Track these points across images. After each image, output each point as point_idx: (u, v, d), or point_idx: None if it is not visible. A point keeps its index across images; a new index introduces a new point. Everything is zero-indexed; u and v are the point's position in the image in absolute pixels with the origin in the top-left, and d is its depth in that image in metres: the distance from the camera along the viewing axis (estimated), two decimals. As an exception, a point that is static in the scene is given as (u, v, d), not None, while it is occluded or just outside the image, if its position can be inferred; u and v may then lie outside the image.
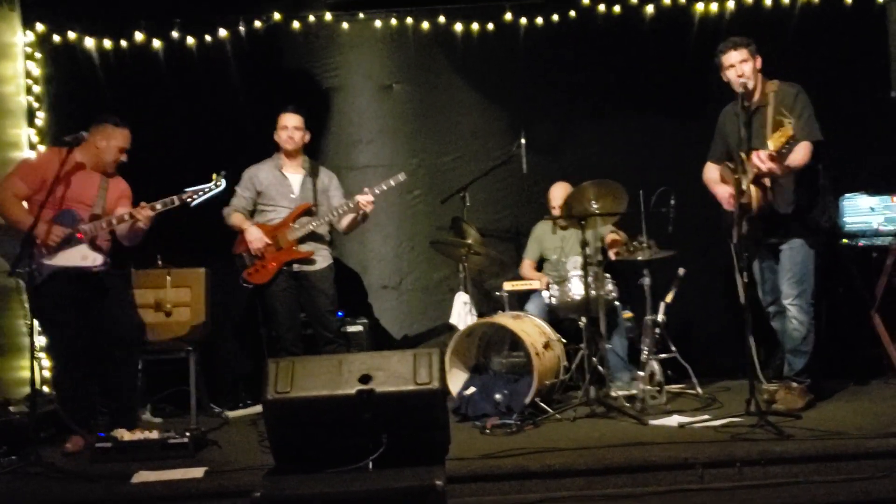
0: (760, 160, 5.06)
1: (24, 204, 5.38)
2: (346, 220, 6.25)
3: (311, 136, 6.40)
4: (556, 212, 6.62)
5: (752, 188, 5.23)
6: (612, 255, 6.32)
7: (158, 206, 5.42)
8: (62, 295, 5.36)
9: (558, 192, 6.71)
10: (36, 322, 5.64)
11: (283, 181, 6.26)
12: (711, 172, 5.74)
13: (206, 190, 5.52)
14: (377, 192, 6.14)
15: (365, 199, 6.07)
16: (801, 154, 5.19)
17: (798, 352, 5.48)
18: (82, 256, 5.42)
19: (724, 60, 5.43)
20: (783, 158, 5.08)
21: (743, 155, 5.23)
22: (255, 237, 6.10)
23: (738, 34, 5.54)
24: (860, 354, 5.92)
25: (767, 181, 5.26)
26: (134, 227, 5.45)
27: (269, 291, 6.18)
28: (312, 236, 6.19)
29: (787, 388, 5.46)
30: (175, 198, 5.45)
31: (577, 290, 6.12)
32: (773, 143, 5.00)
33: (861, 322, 6.25)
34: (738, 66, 5.35)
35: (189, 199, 5.47)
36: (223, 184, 5.59)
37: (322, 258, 6.26)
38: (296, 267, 6.17)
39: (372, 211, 6.17)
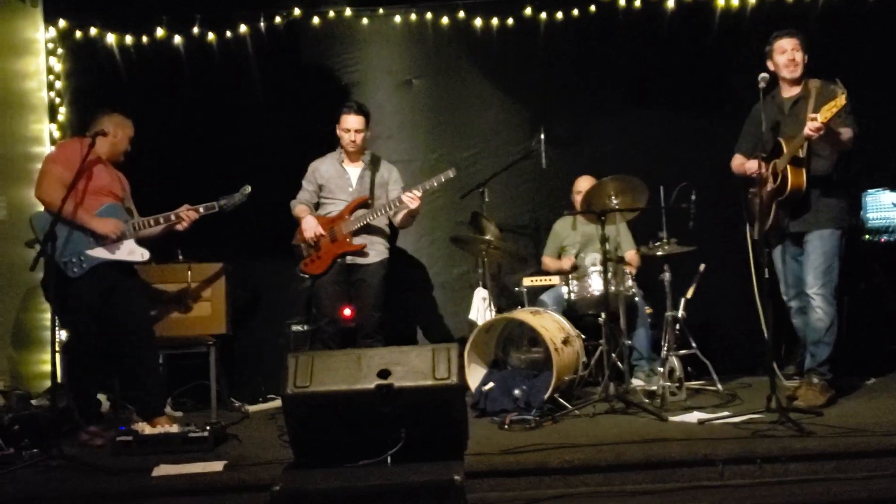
0: (811, 123, 5.09)
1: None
2: (399, 215, 6.30)
3: (368, 133, 6.43)
4: (580, 196, 6.58)
5: (789, 169, 5.30)
6: (628, 270, 6.29)
7: (202, 210, 5.67)
8: (96, 284, 5.40)
9: (584, 184, 6.68)
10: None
11: (342, 175, 6.33)
12: (740, 160, 5.80)
13: (238, 199, 5.77)
14: (427, 187, 6.18)
15: (407, 197, 6.10)
16: (847, 133, 5.30)
17: (821, 343, 5.45)
18: (129, 251, 5.53)
19: (776, 46, 5.58)
20: (828, 132, 5.14)
21: (780, 140, 5.33)
22: (309, 226, 6.18)
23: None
24: (882, 351, 5.88)
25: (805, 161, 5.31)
26: (169, 227, 5.63)
27: (320, 282, 6.25)
28: (368, 229, 6.23)
29: (809, 385, 5.44)
30: (215, 203, 5.70)
31: (596, 285, 6.11)
32: (822, 115, 5.05)
33: (883, 318, 6.21)
34: (791, 51, 5.52)
35: (225, 206, 5.73)
36: (248, 190, 5.78)
37: (376, 252, 6.29)
38: (349, 259, 6.22)
39: (419, 207, 6.20)
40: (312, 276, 6.26)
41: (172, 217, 5.62)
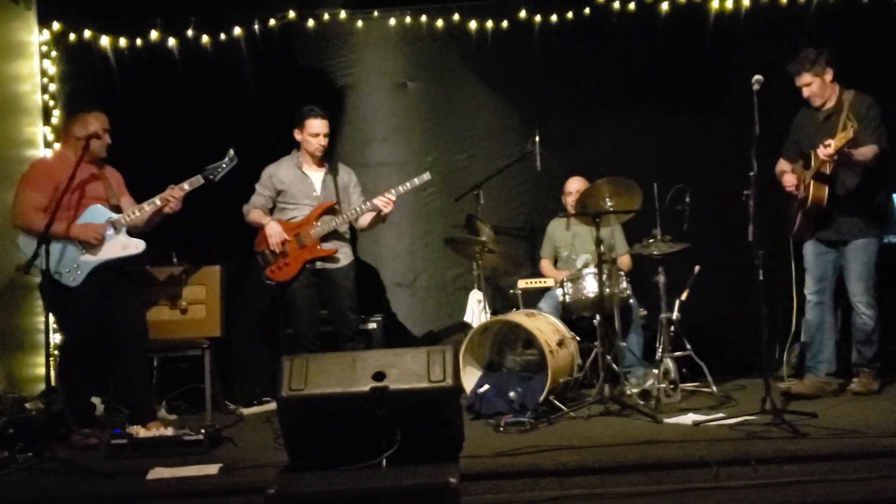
0: (825, 150, 5.42)
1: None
2: (366, 219, 6.25)
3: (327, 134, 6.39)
4: (570, 198, 6.60)
5: (812, 183, 5.60)
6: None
7: (186, 187, 5.55)
8: (94, 288, 5.39)
9: (575, 185, 6.70)
10: (52, 317, 5.65)
11: (304, 179, 6.25)
12: (782, 166, 6.01)
13: (224, 165, 5.65)
14: (401, 190, 6.15)
15: (383, 200, 6.07)
16: (866, 151, 5.52)
17: (869, 342, 5.79)
18: (123, 246, 5.48)
19: (796, 82, 5.82)
20: (842, 157, 5.44)
21: (811, 152, 5.62)
22: (275, 232, 6.09)
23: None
24: (879, 352, 5.90)
25: (829, 177, 5.60)
26: (160, 211, 5.54)
27: (290, 288, 6.17)
28: (335, 234, 6.19)
29: (864, 374, 5.81)
30: (200, 176, 5.58)
31: (591, 287, 6.11)
32: (835, 143, 5.35)
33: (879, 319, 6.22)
34: (804, 89, 5.78)
35: (212, 177, 5.60)
36: (236, 158, 5.68)
37: (344, 255, 6.25)
38: (318, 264, 6.16)
39: (391, 211, 6.17)
40: (280, 283, 6.18)
41: (158, 201, 5.50)
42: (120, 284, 5.54)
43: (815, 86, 5.72)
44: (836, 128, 5.49)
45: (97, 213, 5.47)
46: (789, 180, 5.86)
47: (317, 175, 6.29)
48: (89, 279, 5.37)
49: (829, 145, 5.36)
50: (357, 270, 6.39)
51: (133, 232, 5.57)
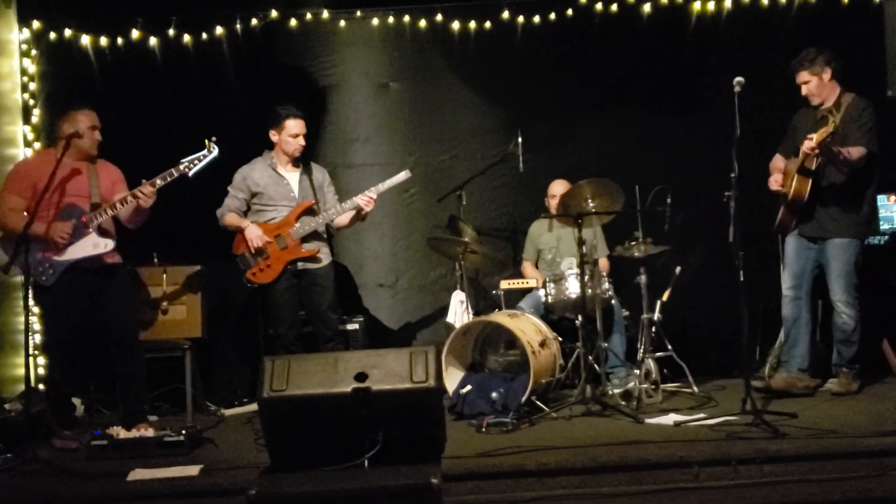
0: (809, 143, 5.47)
1: (24, 213, 5.36)
2: (344, 218, 6.23)
3: (306, 134, 6.38)
4: (554, 201, 6.62)
5: (796, 177, 5.67)
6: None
7: (158, 182, 5.41)
8: (76, 290, 5.36)
9: (559, 188, 6.71)
10: (33, 319, 5.63)
11: (280, 181, 6.22)
12: (776, 162, 6.04)
13: (202, 157, 5.51)
14: (382, 188, 6.14)
15: (363, 200, 6.07)
16: (853, 151, 5.56)
17: (848, 342, 5.81)
18: (93, 245, 5.42)
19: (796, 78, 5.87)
20: (828, 153, 5.49)
21: (801, 147, 5.66)
22: (255, 234, 6.06)
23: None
24: (858, 353, 5.94)
25: (813, 172, 5.64)
26: (138, 208, 5.45)
27: (272, 290, 6.15)
28: (314, 234, 6.17)
29: (843, 374, 5.85)
30: (173, 170, 5.45)
31: (573, 288, 6.12)
32: (817, 136, 5.38)
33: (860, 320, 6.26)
34: (803, 86, 5.83)
35: (186, 170, 5.47)
36: (216, 150, 5.55)
37: (324, 255, 6.24)
38: (300, 265, 6.14)
39: (371, 210, 6.17)
40: (262, 285, 6.16)
41: (129, 198, 5.40)
42: (110, 286, 5.50)
43: (813, 84, 5.77)
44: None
45: (69, 213, 5.41)
46: (775, 180, 5.89)
47: (292, 176, 6.27)
48: (63, 278, 5.33)
49: (812, 139, 5.41)
50: (335, 271, 6.39)
51: (121, 229, 5.54)
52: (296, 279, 6.16)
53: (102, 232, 5.47)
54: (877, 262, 6.38)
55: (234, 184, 6.24)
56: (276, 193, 6.20)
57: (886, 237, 6.54)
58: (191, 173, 5.49)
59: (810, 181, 5.65)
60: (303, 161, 6.35)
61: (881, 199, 6.47)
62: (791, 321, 5.92)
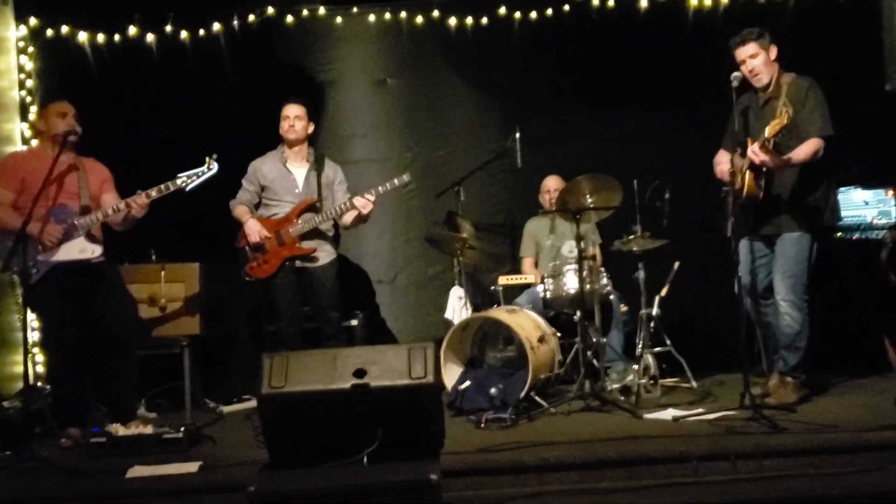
0: (753, 152, 5.08)
1: (12, 209, 5.35)
2: (348, 217, 6.22)
3: (311, 128, 6.37)
4: (548, 196, 6.62)
5: (747, 174, 5.21)
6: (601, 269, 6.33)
7: (153, 194, 5.38)
8: (60, 289, 5.35)
9: (552, 183, 6.72)
10: (31, 317, 5.62)
11: (286, 176, 6.23)
12: (720, 156, 5.66)
13: (200, 174, 5.47)
14: (381, 190, 6.13)
15: (361, 201, 6.05)
16: (806, 149, 5.17)
17: (792, 347, 5.43)
18: (80, 249, 5.41)
19: (735, 56, 5.41)
20: (778, 148, 5.09)
21: (748, 141, 5.23)
22: (253, 229, 6.08)
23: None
24: (855, 348, 5.94)
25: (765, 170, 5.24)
26: (128, 216, 5.43)
27: (271, 285, 6.16)
28: (316, 232, 6.16)
29: (782, 383, 5.45)
30: (169, 183, 5.41)
31: (571, 284, 6.12)
32: (768, 130, 5.01)
33: (856, 316, 6.26)
34: (748, 61, 5.36)
35: (183, 185, 5.43)
36: (216, 167, 5.50)
37: (325, 254, 6.23)
38: (298, 262, 6.14)
39: (371, 211, 6.15)
40: (259, 279, 6.16)
41: (122, 206, 5.38)
42: (98, 287, 5.49)
43: (759, 59, 5.33)
44: (774, 114, 5.09)
45: (59, 213, 5.40)
46: (721, 170, 5.49)
47: (300, 171, 6.27)
48: (46, 278, 5.31)
49: (756, 152, 5.03)
50: (339, 268, 6.38)
51: (114, 240, 5.55)
52: (295, 276, 6.16)
53: (91, 237, 5.46)
54: (876, 258, 6.35)
55: (246, 176, 6.29)
56: (281, 188, 6.21)
57: (885, 232, 6.52)
58: (188, 189, 5.45)
59: (763, 178, 5.22)
60: (317, 156, 6.35)
61: (879, 194, 6.44)
62: (764, 324, 5.62)
